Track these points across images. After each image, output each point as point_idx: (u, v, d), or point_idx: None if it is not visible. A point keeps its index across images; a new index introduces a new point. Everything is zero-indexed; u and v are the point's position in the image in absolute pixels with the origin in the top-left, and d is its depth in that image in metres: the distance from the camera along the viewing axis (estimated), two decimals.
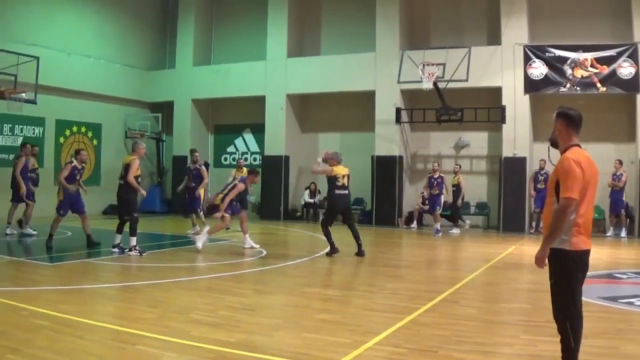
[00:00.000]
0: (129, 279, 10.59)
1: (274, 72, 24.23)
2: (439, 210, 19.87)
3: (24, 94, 19.03)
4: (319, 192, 23.03)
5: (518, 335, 7.05)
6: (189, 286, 9.83)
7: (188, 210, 17.99)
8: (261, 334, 6.75)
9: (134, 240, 12.76)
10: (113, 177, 20.51)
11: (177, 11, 27.07)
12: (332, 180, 13.53)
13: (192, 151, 18.36)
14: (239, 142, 26.75)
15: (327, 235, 13.41)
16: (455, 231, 19.85)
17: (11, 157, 21.46)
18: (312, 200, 23.63)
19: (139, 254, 12.70)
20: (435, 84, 19.33)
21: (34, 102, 19.60)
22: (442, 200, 20.09)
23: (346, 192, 13.76)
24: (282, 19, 24.22)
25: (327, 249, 13.54)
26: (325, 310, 8.10)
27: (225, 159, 26.87)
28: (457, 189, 20.09)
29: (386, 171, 22.09)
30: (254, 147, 26.22)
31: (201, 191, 17.39)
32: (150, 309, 7.87)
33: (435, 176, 20.01)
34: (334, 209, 13.80)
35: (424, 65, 19.48)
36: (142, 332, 6.57)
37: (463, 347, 6.32)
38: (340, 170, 13.64)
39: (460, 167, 20.73)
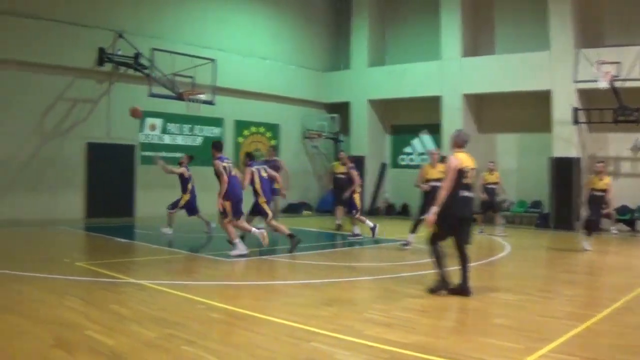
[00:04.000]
0: (305, 276, 10.58)
1: (449, 72, 23.55)
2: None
3: (202, 96, 19.52)
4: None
5: None
6: (366, 285, 9.78)
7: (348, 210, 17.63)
8: (435, 336, 6.61)
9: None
10: (292, 177, 20.55)
11: (351, 12, 26.99)
12: (457, 175, 8.63)
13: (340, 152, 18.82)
14: (416, 142, 26.13)
15: (439, 259, 8.75)
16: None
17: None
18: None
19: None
20: (611, 83, 18.22)
21: (212, 103, 20.03)
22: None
23: (472, 194, 9.01)
24: (456, 18, 23.53)
25: (437, 283, 8.84)
26: (500, 315, 7.79)
27: (403, 160, 26.35)
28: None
29: (563, 173, 20.83)
30: (431, 147, 25.26)
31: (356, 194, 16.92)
32: (325, 306, 7.84)
33: None
34: (454, 219, 8.70)
35: (599, 64, 18.46)
36: (316, 329, 6.57)
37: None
38: (467, 160, 8.82)
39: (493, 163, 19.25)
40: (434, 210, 8.52)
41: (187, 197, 15.81)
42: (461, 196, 8.55)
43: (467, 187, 8.70)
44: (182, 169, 15.86)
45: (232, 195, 12.29)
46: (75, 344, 5.82)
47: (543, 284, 10.71)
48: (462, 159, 8.66)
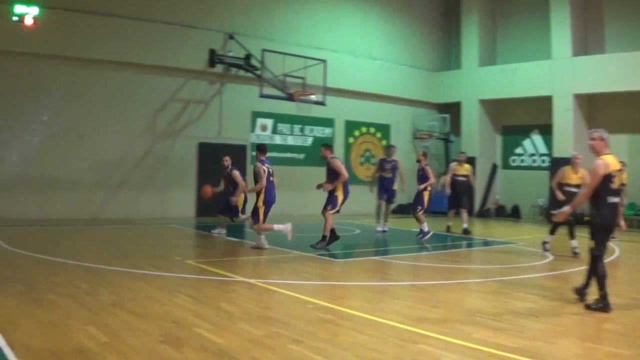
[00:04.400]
0: (414, 278, 10.54)
1: (559, 72, 22.75)
2: None
3: (312, 96, 19.48)
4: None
5: None
6: (475, 288, 9.66)
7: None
8: (543, 340, 6.36)
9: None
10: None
11: (460, 11, 26.59)
12: (603, 180, 7.84)
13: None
14: (527, 143, 25.40)
15: (604, 278, 7.84)
16: None
17: (302, 156, 22.36)
18: None
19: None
20: None
21: (322, 103, 19.98)
22: None
23: (618, 199, 8.18)
24: (565, 17, 22.67)
25: (599, 303, 7.89)
26: (609, 320, 7.42)
27: (514, 161, 25.63)
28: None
29: None
30: (543, 148, 24.62)
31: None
32: (433, 309, 7.76)
33: None
34: (607, 229, 8.14)
35: None
36: (424, 332, 6.48)
37: None
38: (614, 163, 7.97)
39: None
40: (567, 210, 8.38)
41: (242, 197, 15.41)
42: (609, 203, 7.87)
43: (615, 193, 7.93)
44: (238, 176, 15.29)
45: (268, 200, 12.57)
46: (184, 340, 5.83)
47: None
48: (610, 163, 7.84)
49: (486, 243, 15.69)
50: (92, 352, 5.33)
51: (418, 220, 15.49)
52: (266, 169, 12.49)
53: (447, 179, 17.22)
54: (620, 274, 11.41)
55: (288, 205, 21.57)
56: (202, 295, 8.04)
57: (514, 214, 24.54)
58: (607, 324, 7.23)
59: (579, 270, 11.12)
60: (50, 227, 15.73)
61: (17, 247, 11.61)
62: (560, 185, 12.57)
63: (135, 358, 5.28)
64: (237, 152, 20.77)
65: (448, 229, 17.30)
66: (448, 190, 17.18)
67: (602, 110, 23.01)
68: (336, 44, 23.27)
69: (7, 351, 5.22)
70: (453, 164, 17.71)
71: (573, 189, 12.36)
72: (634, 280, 11.01)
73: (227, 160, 15.20)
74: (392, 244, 13.59)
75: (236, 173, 15.06)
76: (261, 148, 12.94)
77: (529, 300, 8.48)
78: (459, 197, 17.16)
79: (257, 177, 12.41)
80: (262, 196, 12.50)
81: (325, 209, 12.89)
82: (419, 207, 15.56)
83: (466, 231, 16.92)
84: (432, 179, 15.75)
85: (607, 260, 12.16)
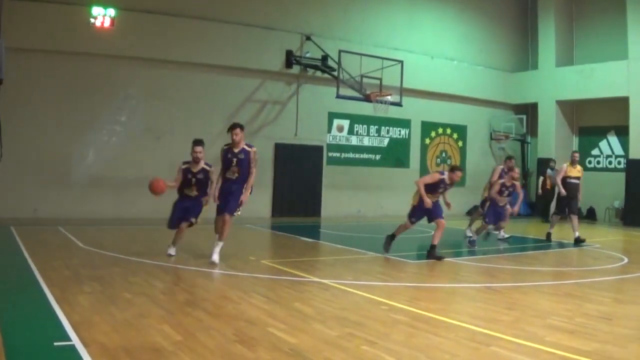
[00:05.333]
0: (489, 279, 10.37)
1: (637, 72, 22.16)
2: None
3: (389, 97, 19.36)
4: None
5: None
6: (549, 291, 9.42)
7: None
8: (615, 344, 6.26)
9: None
10: (478, 178, 20.33)
11: (537, 11, 26.20)
12: None
13: None
14: (603, 144, 24.89)
15: None
16: None
17: (378, 157, 22.33)
18: None
19: None
20: None
21: (399, 104, 19.82)
22: None
23: None
24: None
25: None
26: None
27: (590, 162, 25.02)
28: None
29: None
30: (619, 150, 24.01)
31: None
32: (507, 311, 7.69)
33: None
34: None
35: None
36: (497, 334, 6.44)
37: None
38: None
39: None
40: None
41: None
42: None
43: None
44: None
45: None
46: (257, 340, 5.83)
47: None
48: None
49: (561, 245, 15.33)
50: (165, 351, 5.36)
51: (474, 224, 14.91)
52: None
53: (558, 180, 15.44)
54: None
55: (364, 205, 21.58)
56: (276, 295, 8.05)
57: (590, 215, 24.07)
58: None
59: None
60: (127, 226, 16.10)
61: (94, 246, 11.89)
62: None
63: (209, 357, 5.28)
64: (314, 153, 20.89)
65: (549, 236, 15.94)
66: (563, 192, 15.28)
67: None
68: (413, 45, 23.12)
69: (81, 348, 5.29)
70: (565, 165, 15.79)
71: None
72: None
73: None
74: (467, 246, 13.49)
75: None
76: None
77: (602, 303, 8.38)
78: (569, 201, 15.38)
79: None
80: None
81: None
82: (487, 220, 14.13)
83: (579, 240, 15.07)
84: (521, 197, 14.66)
85: None
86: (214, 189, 10.70)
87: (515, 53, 27.23)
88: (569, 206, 15.45)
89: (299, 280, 9.16)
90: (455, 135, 25.10)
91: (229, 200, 10.38)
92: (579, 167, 15.78)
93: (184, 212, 10.86)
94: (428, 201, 11.64)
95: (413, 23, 23.46)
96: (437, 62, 23.93)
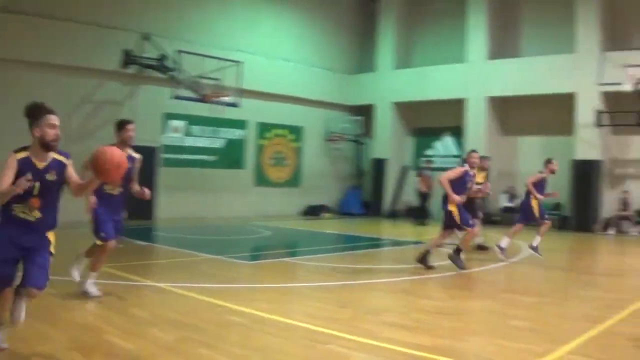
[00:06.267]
0: (324, 278, 10.52)
1: (474, 75, 23.52)
2: None
3: (226, 98, 19.47)
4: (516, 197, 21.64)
5: None
6: (384, 288, 9.80)
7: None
8: (455, 338, 6.66)
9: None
10: (313, 179, 20.84)
11: (376, 14, 27.03)
12: None
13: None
14: (438, 145, 26.12)
15: None
16: None
17: (213, 158, 22.25)
18: (511, 205, 22.29)
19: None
20: (636, 86, 18.21)
21: (236, 105, 20.06)
22: None
23: None
24: (481, 21, 23.58)
25: None
26: (518, 317, 7.77)
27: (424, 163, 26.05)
28: None
29: (585, 176, 20.77)
30: (454, 150, 25.35)
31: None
32: (342, 309, 7.92)
33: None
34: None
35: (624, 67, 18.41)
36: (334, 332, 6.59)
37: None
38: None
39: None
40: None
41: None
42: None
43: None
44: None
45: None
46: (93, 347, 5.82)
47: (561, 286, 10.80)
48: None
49: (397, 243, 15.98)
50: None
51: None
52: None
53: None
54: (528, 272, 11.91)
55: (201, 207, 21.50)
56: (111, 300, 7.94)
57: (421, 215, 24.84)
58: (516, 320, 7.49)
59: (488, 269, 11.69)
60: None
61: None
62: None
63: None
64: (147, 154, 20.47)
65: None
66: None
67: (514, 113, 23.96)
68: (252, 46, 23.26)
69: None
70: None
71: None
72: (542, 277, 11.49)
73: None
74: (302, 246, 13.81)
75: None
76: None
77: (438, 298, 8.82)
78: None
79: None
80: None
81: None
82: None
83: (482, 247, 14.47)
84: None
85: (516, 258, 12.68)
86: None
87: (354, 55, 28.02)
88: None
89: (134, 285, 9.08)
90: (292, 136, 25.50)
91: None
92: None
93: None
94: (456, 197, 10.84)
95: (253, 24, 23.58)
96: (275, 63, 24.18)
